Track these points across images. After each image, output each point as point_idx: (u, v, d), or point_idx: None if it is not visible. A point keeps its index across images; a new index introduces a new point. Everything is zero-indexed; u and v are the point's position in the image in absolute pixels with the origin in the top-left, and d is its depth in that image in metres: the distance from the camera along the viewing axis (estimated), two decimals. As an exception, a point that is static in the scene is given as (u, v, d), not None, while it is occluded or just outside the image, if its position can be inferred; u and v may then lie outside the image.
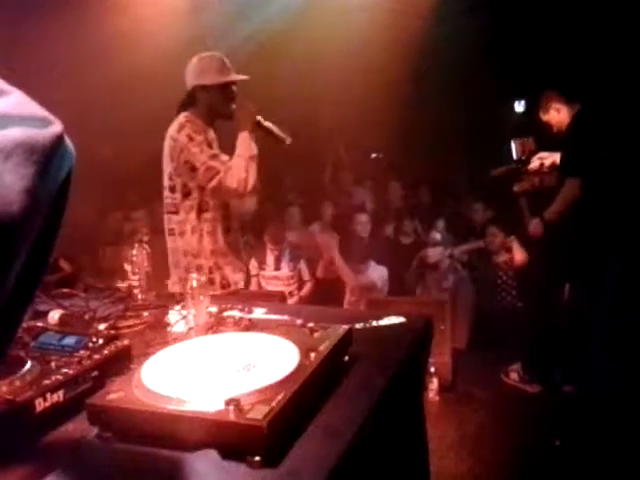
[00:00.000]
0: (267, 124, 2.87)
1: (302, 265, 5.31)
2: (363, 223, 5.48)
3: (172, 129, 2.87)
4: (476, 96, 7.17)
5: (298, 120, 6.70)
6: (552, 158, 3.90)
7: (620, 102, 3.85)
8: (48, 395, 1.20)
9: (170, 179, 2.86)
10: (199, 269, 2.83)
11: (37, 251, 0.74)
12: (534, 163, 3.91)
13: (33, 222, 0.69)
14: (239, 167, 2.76)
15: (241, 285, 3.05)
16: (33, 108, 0.73)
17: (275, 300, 4.58)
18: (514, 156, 4.07)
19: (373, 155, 9.01)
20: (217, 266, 2.92)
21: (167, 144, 2.87)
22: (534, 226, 3.90)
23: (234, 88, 2.93)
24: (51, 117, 0.74)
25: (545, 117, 3.88)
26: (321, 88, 6.59)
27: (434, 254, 5.00)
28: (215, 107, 2.91)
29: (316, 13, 5.81)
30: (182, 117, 2.88)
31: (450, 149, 7.18)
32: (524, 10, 6.13)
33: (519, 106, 8.00)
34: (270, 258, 5.23)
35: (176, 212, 2.87)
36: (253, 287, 5.34)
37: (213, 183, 2.75)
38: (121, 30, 5.24)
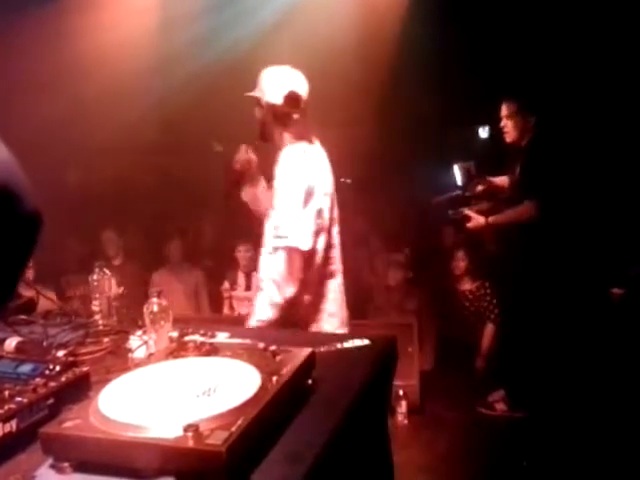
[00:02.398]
0: None
1: None
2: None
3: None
4: (441, 122, 7.30)
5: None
6: (494, 182, 3.97)
7: (578, 122, 3.95)
8: (0, 425, 1.17)
9: None
10: None
11: None
12: (476, 188, 3.96)
13: None
14: None
15: None
16: None
17: (241, 324, 4.54)
18: (457, 182, 4.11)
19: (342, 179, 9.08)
20: None
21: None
22: (474, 221, 3.83)
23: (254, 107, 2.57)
24: None
25: (501, 124, 3.89)
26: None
27: (394, 277, 5.01)
28: None
29: (284, 35, 5.87)
30: None
31: (417, 175, 7.27)
32: (490, 35, 6.28)
33: (483, 132, 8.16)
34: (241, 277, 5.21)
35: None
36: (226, 311, 5.29)
37: None
38: (90, 49, 5.22)
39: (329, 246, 2.58)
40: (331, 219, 2.59)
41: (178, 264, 5.54)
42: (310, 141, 2.56)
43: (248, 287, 5.19)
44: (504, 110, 3.82)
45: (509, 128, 3.80)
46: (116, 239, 5.52)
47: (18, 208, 0.67)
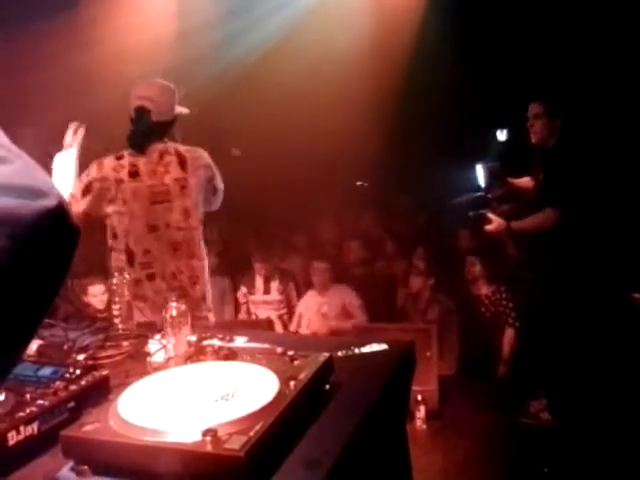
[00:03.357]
0: None
1: (291, 289, 5.30)
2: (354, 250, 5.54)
3: (206, 157, 2.87)
4: (460, 124, 7.26)
5: (273, 148, 6.75)
6: (517, 184, 3.92)
7: (603, 125, 3.88)
8: (22, 428, 1.18)
9: (198, 207, 2.84)
10: None
11: (21, 318, 0.70)
12: (499, 190, 3.90)
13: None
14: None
15: None
16: (29, 178, 0.69)
17: (261, 328, 4.55)
18: (480, 182, 4.04)
19: (358, 183, 9.07)
20: None
21: (202, 173, 2.83)
22: (495, 224, 3.75)
23: None
24: (47, 190, 0.69)
25: (528, 124, 3.82)
26: (299, 118, 6.66)
27: (416, 283, 4.99)
28: None
29: (296, 45, 5.89)
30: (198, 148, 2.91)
31: (434, 177, 7.25)
32: (508, 37, 6.24)
33: (501, 135, 8.12)
34: (259, 281, 5.21)
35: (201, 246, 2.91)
36: (242, 315, 5.30)
37: (219, 203, 2.97)
38: (107, 57, 5.28)
39: (139, 252, 2.75)
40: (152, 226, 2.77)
41: None
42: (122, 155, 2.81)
43: (267, 290, 5.21)
44: (532, 111, 3.78)
45: (536, 129, 3.76)
46: None
47: (68, 223, 0.72)
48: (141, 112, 2.74)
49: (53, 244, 0.70)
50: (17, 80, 4.71)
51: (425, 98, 6.89)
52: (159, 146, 2.79)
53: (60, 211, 0.69)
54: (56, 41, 4.90)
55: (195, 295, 2.78)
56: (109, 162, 2.78)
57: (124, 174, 2.74)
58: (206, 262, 2.90)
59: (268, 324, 4.91)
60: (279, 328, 5.11)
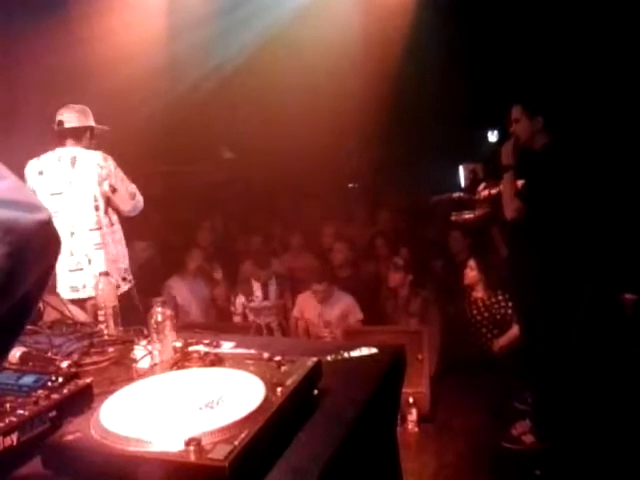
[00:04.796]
0: None
1: (288, 295, 5.24)
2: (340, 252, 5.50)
3: (98, 159, 3.51)
4: (451, 126, 7.27)
5: (265, 150, 6.72)
6: (499, 187, 3.91)
7: (588, 123, 3.86)
8: (0, 439, 1.15)
9: (95, 200, 3.49)
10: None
11: (10, 319, 0.78)
12: (482, 191, 3.88)
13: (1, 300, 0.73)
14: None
15: None
16: (23, 194, 0.80)
17: (249, 333, 4.51)
18: (462, 183, 4.00)
19: (350, 185, 9.06)
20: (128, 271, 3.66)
21: (92, 171, 3.48)
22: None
23: None
24: (39, 205, 0.81)
25: (511, 129, 3.84)
26: (290, 119, 6.63)
27: (394, 279, 4.98)
28: None
29: (287, 43, 5.87)
30: (97, 152, 3.57)
31: (425, 178, 7.24)
32: (497, 37, 6.25)
33: (492, 136, 8.13)
34: (257, 287, 5.13)
35: (100, 228, 3.54)
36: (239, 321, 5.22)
37: (134, 203, 3.67)
38: (97, 55, 5.24)
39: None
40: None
41: (192, 274, 5.48)
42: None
43: (265, 297, 5.13)
44: (512, 115, 3.78)
45: (518, 132, 3.76)
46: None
47: (56, 233, 0.84)
48: (59, 125, 3.52)
49: (44, 251, 0.80)
50: (5, 78, 4.68)
51: (417, 98, 6.89)
52: (64, 150, 3.53)
53: (51, 223, 0.81)
54: (47, 40, 4.86)
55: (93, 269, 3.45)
56: (32, 162, 3.56)
57: (36, 173, 3.53)
58: (106, 236, 3.53)
59: (256, 329, 4.85)
60: (278, 335, 5.01)
